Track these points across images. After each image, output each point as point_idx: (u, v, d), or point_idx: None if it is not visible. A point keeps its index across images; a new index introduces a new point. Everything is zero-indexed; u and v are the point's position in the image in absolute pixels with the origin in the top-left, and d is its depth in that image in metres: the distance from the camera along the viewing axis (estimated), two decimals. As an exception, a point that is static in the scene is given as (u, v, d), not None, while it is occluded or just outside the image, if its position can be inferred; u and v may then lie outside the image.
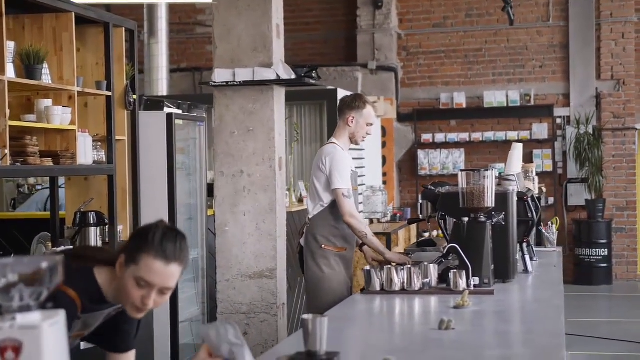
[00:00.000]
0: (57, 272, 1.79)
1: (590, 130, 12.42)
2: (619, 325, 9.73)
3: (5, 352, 1.71)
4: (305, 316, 2.76)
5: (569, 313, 9.70)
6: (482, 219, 4.43)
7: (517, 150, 5.54)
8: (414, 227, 11.25)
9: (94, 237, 5.45)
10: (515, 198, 4.73)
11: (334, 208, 5.26)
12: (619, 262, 12.62)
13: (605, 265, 12.32)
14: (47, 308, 1.80)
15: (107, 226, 5.63)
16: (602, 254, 12.28)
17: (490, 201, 4.42)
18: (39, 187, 9.08)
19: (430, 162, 13.00)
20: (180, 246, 2.61)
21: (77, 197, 5.77)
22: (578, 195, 12.64)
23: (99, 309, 2.70)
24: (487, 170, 4.45)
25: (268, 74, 5.82)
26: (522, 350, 3.00)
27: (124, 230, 5.93)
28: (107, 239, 5.66)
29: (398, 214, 11.20)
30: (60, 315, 1.80)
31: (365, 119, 5.36)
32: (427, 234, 12.36)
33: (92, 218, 5.45)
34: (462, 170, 4.49)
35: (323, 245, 5.24)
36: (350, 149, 8.95)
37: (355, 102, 5.39)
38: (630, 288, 12.27)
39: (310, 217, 5.36)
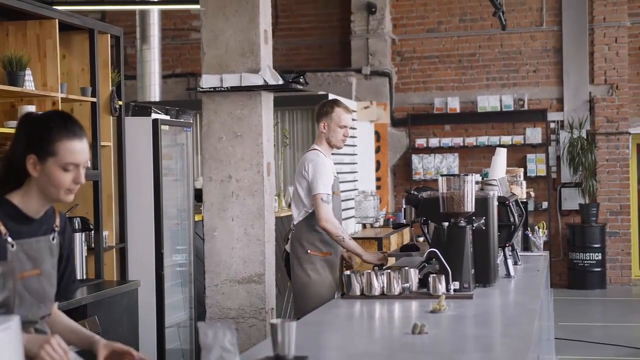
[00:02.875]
0: (9, 278, 1.81)
1: (584, 135, 12.44)
2: (612, 329, 9.73)
3: (-45, 357, 1.73)
4: (273, 321, 2.78)
5: (562, 317, 9.71)
6: (462, 223, 4.44)
7: (501, 156, 5.56)
8: (407, 231, 11.27)
9: (79, 242, 5.46)
10: (496, 203, 4.74)
11: None
12: (613, 267, 12.62)
13: (599, 269, 12.32)
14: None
15: (92, 232, 5.64)
16: (596, 258, 12.29)
17: (470, 206, 4.43)
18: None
19: (425, 166, 13.01)
20: (77, 122, 2.77)
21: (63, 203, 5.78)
22: (572, 200, 12.65)
23: (29, 231, 2.74)
24: (467, 175, 4.46)
25: (255, 80, 5.84)
26: (490, 354, 3.01)
27: (109, 236, 5.94)
28: (92, 245, 5.68)
29: (391, 219, 11.21)
30: (13, 321, 1.81)
31: (336, 123, 5.42)
32: (421, 239, 12.37)
33: (77, 224, 5.46)
34: (442, 175, 4.51)
35: (309, 251, 5.34)
36: (340, 154, 8.98)
37: (324, 107, 5.48)
38: (624, 292, 12.26)
39: (295, 222, 5.44)
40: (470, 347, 3.22)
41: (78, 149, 2.71)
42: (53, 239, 2.83)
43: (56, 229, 2.85)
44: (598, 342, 8.77)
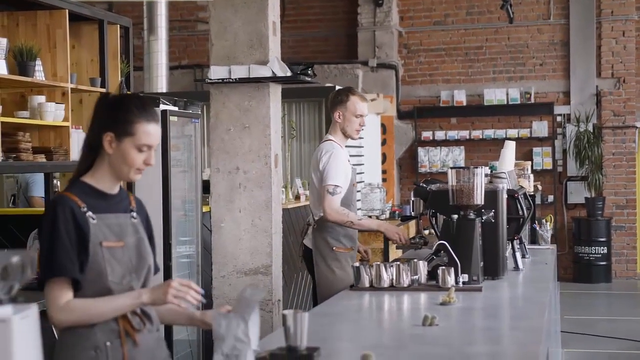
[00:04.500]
0: (28, 267, 1.81)
1: (590, 128, 12.43)
2: (617, 323, 9.74)
3: (-25, 345, 1.73)
4: (285, 312, 2.78)
5: (568, 310, 9.72)
6: (472, 216, 4.43)
7: (510, 149, 5.56)
8: (413, 224, 11.27)
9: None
10: (505, 196, 4.73)
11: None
12: (618, 260, 12.62)
13: (604, 263, 12.33)
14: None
15: (100, 222, 5.64)
16: (602, 252, 12.29)
17: (479, 198, 4.42)
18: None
19: (431, 159, 13.01)
20: (153, 106, 2.93)
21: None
22: (578, 193, 12.64)
23: (107, 206, 2.86)
24: (477, 168, 4.46)
25: (264, 71, 5.83)
26: (500, 346, 3.02)
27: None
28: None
29: (397, 211, 11.21)
30: (32, 310, 1.82)
31: (351, 112, 5.28)
32: (427, 232, 12.37)
33: (86, 214, 5.46)
34: (451, 168, 4.50)
35: (335, 248, 5.21)
36: (348, 145, 8.95)
37: (339, 96, 5.33)
38: (630, 286, 12.27)
39: (316, 218, 5.28)
40: (481, 340, 3.22)
41: (154, 132, 2.84)
42: (133, 218, 2.93)
43: (133, 209, 2.96)
44: (603, 336, 8.78)
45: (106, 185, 2.86)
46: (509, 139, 12.40)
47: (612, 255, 12.47)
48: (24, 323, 1.79)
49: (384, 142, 12.47)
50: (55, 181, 6.42)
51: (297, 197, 8.16)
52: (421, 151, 13.01)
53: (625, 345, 8.40)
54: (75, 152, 5.30)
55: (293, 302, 7.61)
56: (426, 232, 12.62)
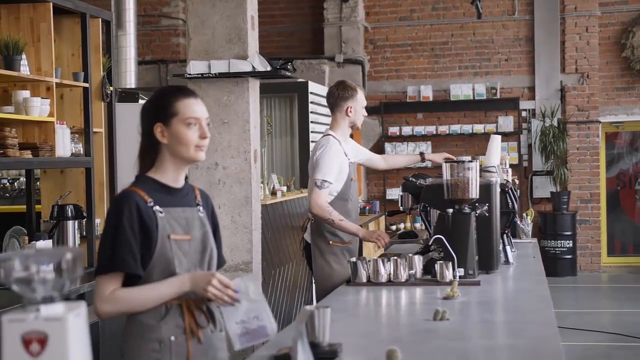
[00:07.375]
0: (79, 264, 1.77)
1: (555, 123, 12.55)
2: (584, 315, 9.86)
3: (30, 344, 1.69)
4: (308, 307, 2.76)
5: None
6: (467, 210, 4.44)
7: (496, 142, 5.57)
8: (382, 219, 11.31)
9: (72, 230, 5.38)
10: (498, 189, 4.75)
11: (338, 202, 5.16)
12: (583, 254, 12.77)
13: (569, 256, 12.47)
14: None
15: (84, 219, 5.56)
16: (567, 246, 12.43)
17: (474, 192, 4.43)
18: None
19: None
20: (188, 88, 2.99)
21: (54, 190, 5.70)
22: (543, 188, 12.77)
23: (173, 200, 2.88)
24: (471, 161, 4.46)
25: (244, 66, 5.80)
26: (520, 340, 3.00)
27: (101, 224, 5.85)
28: (84, 233, 5.60)
29: (367, 207, 11.24)
30: (82, 307, 1.78)
31: (360, 104, 5.39)
32: (394, 227, 12.42)
33: (69, 211, 5.37)
34: (446, 162, 4.50)
35: (331, 242, 5.20)
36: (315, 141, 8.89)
37: (347, 91, 5.34)
38: (594, 279, 12.43)
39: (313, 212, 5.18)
40: (498, 333, 3.22)
41: (196, 105, 2.88)
42: (200, 212, 2.94)
43: (199, 203, 2.97)
44: (571, 328, 8.87)
45: (169, 178, 2.89)
46: (475, 134, 12.54)
47: (577, 249, 12.62)
48: (77, 321, 1.75)
49: (350, 138, 12.44)
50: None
51: (274, 193, 8.11)
52: (388, 146, 13.03)
53: (593, 337, 8.52)
54: (60, 147, 5.21)
55: (271, 298, 7.57)
56: (393, 227, 12.63)
